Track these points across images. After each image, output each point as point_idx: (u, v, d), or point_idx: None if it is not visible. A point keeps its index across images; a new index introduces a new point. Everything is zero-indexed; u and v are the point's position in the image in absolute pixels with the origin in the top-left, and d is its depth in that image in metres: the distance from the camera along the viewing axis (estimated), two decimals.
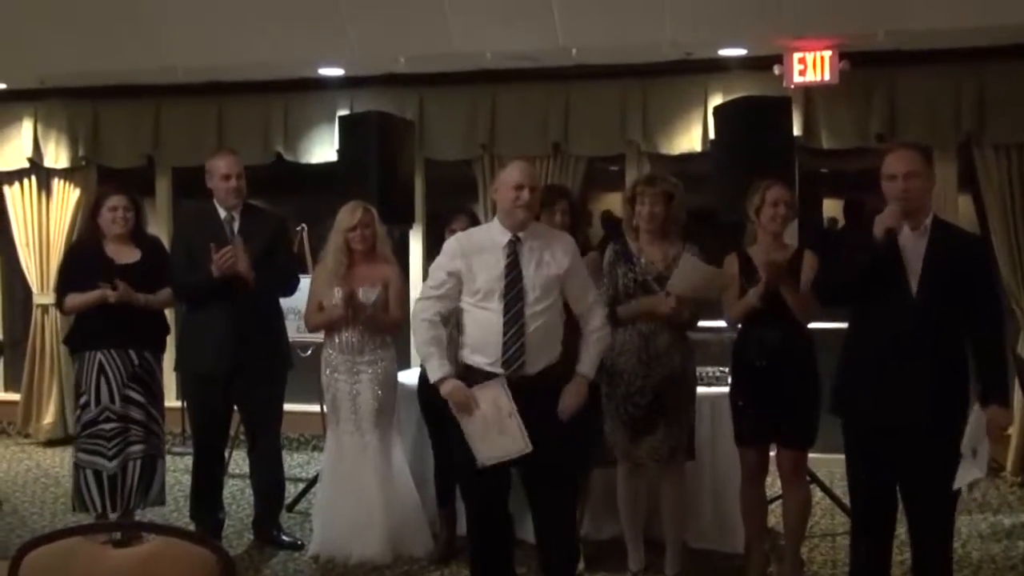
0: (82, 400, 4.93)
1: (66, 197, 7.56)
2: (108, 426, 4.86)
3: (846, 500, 4.59)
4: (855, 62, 5.84)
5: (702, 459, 4.74)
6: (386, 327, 4.87)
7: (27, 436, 7.71)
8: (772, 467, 4.48)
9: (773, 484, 4.74)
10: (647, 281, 4.40)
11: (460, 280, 3.89)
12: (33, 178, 7.62)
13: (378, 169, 5.70)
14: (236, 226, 4.97)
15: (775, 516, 4.91)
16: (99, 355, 4.87)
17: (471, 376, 3.85)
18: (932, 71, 6.12)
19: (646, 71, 6.45)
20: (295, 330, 5.52)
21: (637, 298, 4.40)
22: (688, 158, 6.50)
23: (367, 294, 4.76)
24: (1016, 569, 4.79)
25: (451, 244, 4.01)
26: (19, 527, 5.55)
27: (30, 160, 7.56)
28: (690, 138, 6.47)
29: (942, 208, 4.76)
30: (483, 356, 3.84)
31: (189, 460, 5.31)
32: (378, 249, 4.88)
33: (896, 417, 3.59)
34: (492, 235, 3.95)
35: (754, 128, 5.26)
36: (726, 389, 4.55)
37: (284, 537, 5.18)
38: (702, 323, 4.63)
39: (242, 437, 5.53)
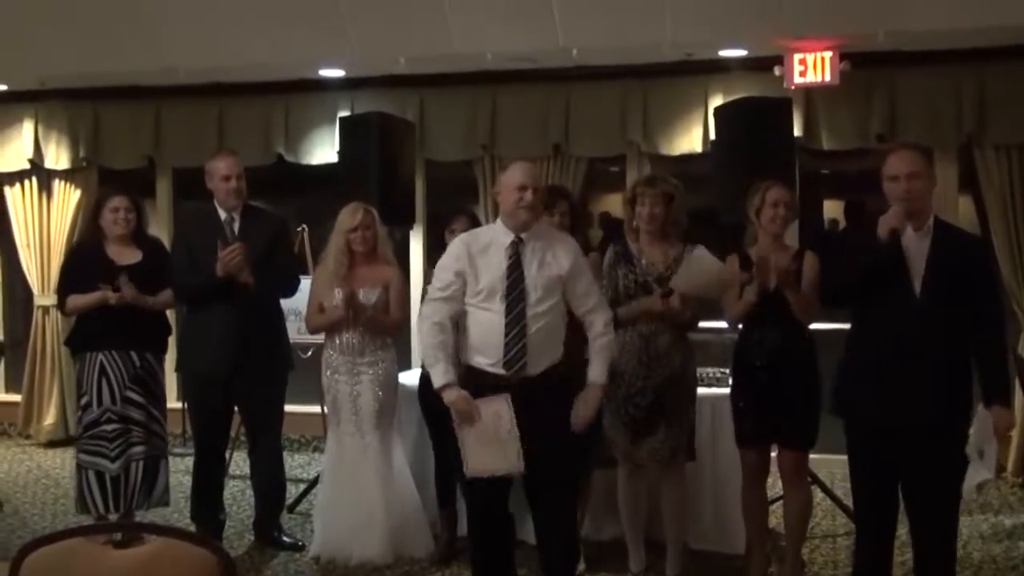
0: (83, 401, 4.93)
1: (67, 198, 7.57)
2: (110, 427, 4.87)
3: (847, 501, 4.59)
4: (855, 63, 5.84)
5: (703, 460, 4.73)
6: (387, 328, 4.87)
7: (28, 437, 7.72)
8: (773, 468, 4.48)
9: (774, 485, 4.74)
10: (647, 282, 4.39)
11: (466, 281, 3.88)
12: (34, 179, 7.62)
13: (379, 170, 5.68)
14: (236, 227, 4.97)
15: (776, 517, 4.90)
16: (100, 356, 4.88)
17: (473, 377, 3.85)
18: (932, 72, 6.12)
19: (646, 72, 6.45)
20: (296, 331, 5.52)
21: (637, 299, 4.40)
22: (688, 159, 6.50)
23: (368, 295, 4.76)
24: (1017, 570, 4.78)
25: (456, 245, 3.99)
26: (20, 528, 5.56)
27: (31, 161, 7.57)
28: (690, 139, 6.47)
29: (942, 209, 4.75)
30: (485, 357, 3.84)
31: (190, 461, 5.31)
32: (379, 250, 4.87)
33: (898, 418, 3.59)
34: (495, 236, 3.94)
35: (754, 129, 5.25)
36: (727, 390, 4.54)
37: (285, 538, 5.18)
38: (702, 323, 4.63)
39: (243, 438, 5.53)
